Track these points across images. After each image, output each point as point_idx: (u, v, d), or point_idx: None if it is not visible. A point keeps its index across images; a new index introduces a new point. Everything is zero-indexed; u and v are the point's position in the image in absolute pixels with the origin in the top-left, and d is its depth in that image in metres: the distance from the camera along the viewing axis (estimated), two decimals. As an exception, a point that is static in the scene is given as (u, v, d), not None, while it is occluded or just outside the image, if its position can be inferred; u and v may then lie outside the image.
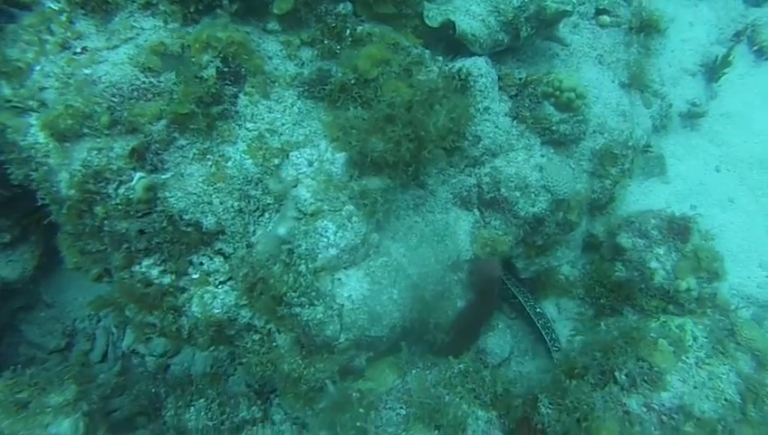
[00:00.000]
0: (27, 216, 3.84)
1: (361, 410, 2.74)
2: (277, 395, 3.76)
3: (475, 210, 3.61)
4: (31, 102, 3.03)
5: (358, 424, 2.70)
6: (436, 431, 2.69)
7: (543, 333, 3.69)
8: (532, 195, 3.53)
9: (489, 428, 2.79)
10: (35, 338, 4.14)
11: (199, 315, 2.94)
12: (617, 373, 2.77)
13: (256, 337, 3.08)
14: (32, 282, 4.09)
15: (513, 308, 4.10)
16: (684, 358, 2.90)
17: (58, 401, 3.22)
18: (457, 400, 2.77)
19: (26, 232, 3.85)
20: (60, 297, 4.32)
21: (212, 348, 3.19)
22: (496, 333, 3.97)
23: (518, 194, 3.53)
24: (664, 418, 2.69)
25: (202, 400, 3.65)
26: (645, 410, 2.69)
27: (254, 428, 3.53)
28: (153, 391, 3.72)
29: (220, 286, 3.01)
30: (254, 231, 3.00)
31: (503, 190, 3.52)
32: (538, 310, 3.85)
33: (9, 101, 3.07)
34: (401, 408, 2.75)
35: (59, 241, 3.40)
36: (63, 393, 3.25)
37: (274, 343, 3.08)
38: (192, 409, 3.64)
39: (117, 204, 2.79)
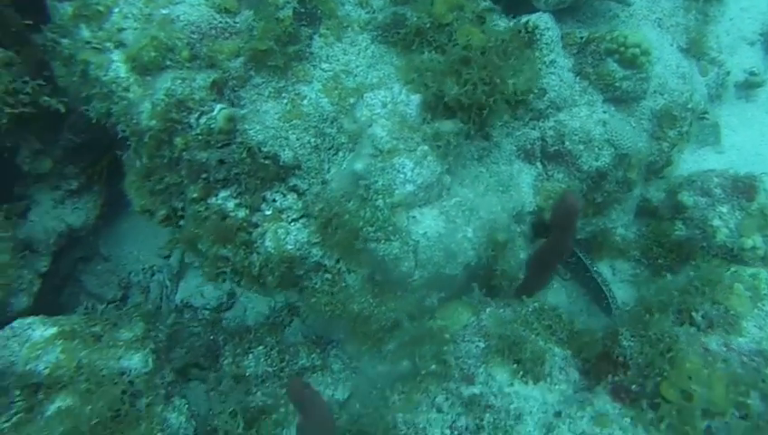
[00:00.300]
0: (91, 165, 3.91)
1: (440, 341, 2.74)
2: (335, 346, 3.77)
3: (538, 164, 3.62)
4: (109, 44, 3.09)
5: (437, 355, 2.71)
6: (516, 365, 2.69)
7: (604, 289, 3.68)
8: (596, 149, 3.54)
9: (566, 365, 2.78)
10: (94, 289, 4.19)
11: (272, 250, 2.96)
12: (693, 314, 2.75)
13: (326, 277, 3.09)
14: (92, 233, 4.14)
15: (567, 269, 4.09)
16: (760, 305, 2.87)
17: (128, 336, 3.26)
18: (534, 336, 2.77)
19: (90, 182, 3.91)
20: (116, 251, 4.38)
21: (279, 290, 3.21)
22: (552, 293, 3.97)
23: (582, 148, 3.53)
24: (744, 359, 2.67)
25: (261, 347, 3.66)
26: (725, 349, 2.67)
27: (314, 374, 3.54)
28: (211, 338, 3.75)
29: (293, 224, 3.04)
30: (329, 169, 3.03)
31: (567, 144, 3.53)
32: (595, 268, 3.84)
33: (89, 42, 3.14)
34: (480, 341, 2.75)
35: (127, 185, 3.46)
36: (133, 329, 3.29)
37: (344, 283, 3.09)
38: (251, 356, 3.66)
39: (197, 134, 2.83)
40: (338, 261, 3.10)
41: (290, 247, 2.98)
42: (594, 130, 3.55)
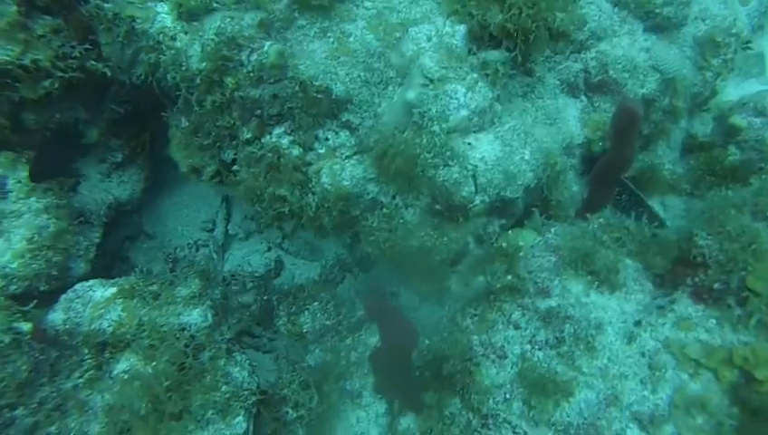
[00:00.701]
0: (134, 138, 3.93)
1: (510, 258, 2.68)
2: (390, 298, 3.72)
3: (583, 96, 3.56)
4: (151, 3, 3.13)
5: (509, 270, 2.64)
6: (590, 276, 2.62)
7: (658, 217, 3.59)
8: (641, 75, 3.48)
9: (639, 276, 2.70)
10: (142, 265, 4.18)
11: (329, 187, 2.93)
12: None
13: (383, 214, 3.05)
14: (137, 209, 4.15)
15: (615, 207, 4.01)
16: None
17: (186, 292, 3.24)
18: (603, 249, 2.70)
19: (134, 155, 3.93)
20: (159, 228, 4.37)
21: (336, 232, 3.17)
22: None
23: (626, 75, 3.48)
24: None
25: (316, 303, 3.62)
26: (806, 245, 2.58)
27: (372, 325, 3.47)
28: (265, 298, 3.71)
29: (347, 160, 3.02)
30: (380, 103, 3.01)
31: (611, 72, 3.48)
32: (647, 202, 3.76)
33: (131, 2, 3.17)
34: (550, 256, 2.69)
35: (172, 148, 3.48)
36: (189, 287, 3.27)
37: (402, 219, 3.05)
38: (306, 313, 3.61)
39: (249, 71, 2.83)
40: (394, 197, 3.06)
41: (346, 183, 2.95)
42: (638, 56, 3.50)
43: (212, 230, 4.34)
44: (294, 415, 3.20)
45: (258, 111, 2.86)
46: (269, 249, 4.26)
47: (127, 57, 3.30)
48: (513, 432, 2.52)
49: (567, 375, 2.48)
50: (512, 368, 2.56)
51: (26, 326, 2.92)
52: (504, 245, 2.76)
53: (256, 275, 4.08)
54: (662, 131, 3.81)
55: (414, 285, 3.22)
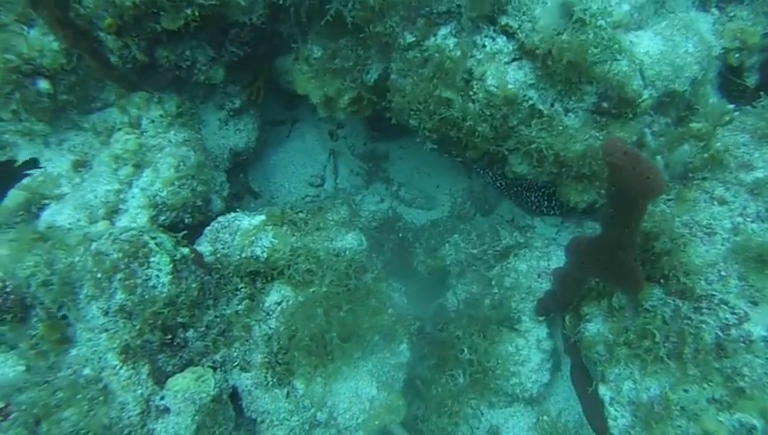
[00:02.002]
0: (249, 85, 3.86)
1: (699, 136, 2.60)
2: (531, 227, 3.60)
3: (714, 10, 3.55)
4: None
5: (705, 147, 2.55)
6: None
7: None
8: (775, -18, 3.49)
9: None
10: (253, 221, 4.04)
11: (495, 89, 2.86)
12: None
13: (542, 121, 2.98)
14: (250, 161, 4.05)
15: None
16: None
17: (335, 218, 3.11)
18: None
19: (249, 102, 3.85)
20: (266, 186, 4.27)
21: (492, 142, 3.07)
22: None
23: (760, -18, 3.49)
24: None
25: (456, 235, 3.50)
26: None
27: (520, 251, 3.34)
28: (400, 235, 3.58)
29: (507, 66, 2.96)
30: (534, 8, 2.98)
31: (742, -19, 3.49)
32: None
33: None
34: (742, 134, 2.61)
35: (300, 82, 3.44)
36: (339, 213, 3.14)
37: (561, 126, 2.98)
38: (447, 245, 3.49)
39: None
40: (552, 104, 3.00)
41: (510, 86, 2.88)
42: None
43: (320, 186, 4.24)
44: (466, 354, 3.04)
45: (426, 9, 2.81)
46: (381, 200, 4.15)
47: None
48: (732, 313, 2.39)
49: (787, 247, 2.35)
50: (723, 244, 2.45)
51: (185, 250, 2.77)
52: (693, 126, 2.67)
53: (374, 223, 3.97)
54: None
55: (569, 193, 3.13)
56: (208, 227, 3.07)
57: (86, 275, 2.50)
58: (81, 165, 3.43)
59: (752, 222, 2.43)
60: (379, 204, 4.13)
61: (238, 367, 2.82)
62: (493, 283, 3.28)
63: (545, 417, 3.10)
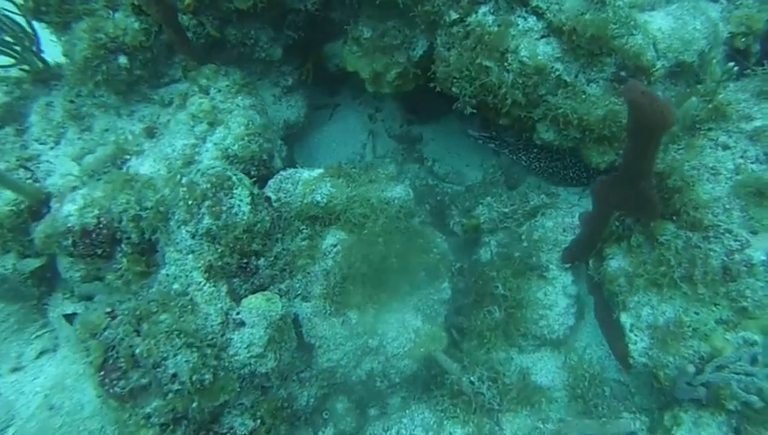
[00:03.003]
0: (300, 66, 4.32)
1: (710, 92, 3.01)
2: (556, 194, 3.99)
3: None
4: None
5: (710, 102, 2.97)
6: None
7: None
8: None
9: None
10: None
11: (527, 60, 3.29)
12: None
13: (566, 91, 3.40)
14: (300, 134, 4.47)
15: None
16: None
17: (386, 172, 3.51)
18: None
19: (299, 81, 4.31)
20: (309, 162, 4.68)
21: (523, 108, 3.49)
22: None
23: (764, -27, 3.94)
24: None
25: (488, 197, 3.89)
26: None
27: (547, 211, 3.73)
28: (438, 199, 3.97)
29: (538, 41, 3.40)
30: (561, -7, 3.44)
31: (746, -28, 3.94)
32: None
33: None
34: (743, 93, 3.03)
35: (350, 61, 3.88)
36: (388, 169, 3.55)
37: (584, 94, 3.40)
38: (481, 206, 3.88)
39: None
40: (576, 75, 3.43)
41: (541, 58, 3.32)
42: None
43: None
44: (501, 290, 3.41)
45: (473, -14, 3.28)
46: (416, 177, 4.56)
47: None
48: (736, 240, 2.76)
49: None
50: (726, 182, 2.84)
51: (258, 190, 3.17)
52: (699, 87, 3.10)
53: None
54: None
55: (591, 154, 3.53)
56: (271, 180, 3.48)
57: (179, 202, 2.90)
58: (150, 131, 3.86)
59: (752, 163, 2.83)
60: (414, 180, 4.53)
61: (300, 296, 3.20)
62: (522, 237, 3.67)
63: (572, 355, 3.43)
